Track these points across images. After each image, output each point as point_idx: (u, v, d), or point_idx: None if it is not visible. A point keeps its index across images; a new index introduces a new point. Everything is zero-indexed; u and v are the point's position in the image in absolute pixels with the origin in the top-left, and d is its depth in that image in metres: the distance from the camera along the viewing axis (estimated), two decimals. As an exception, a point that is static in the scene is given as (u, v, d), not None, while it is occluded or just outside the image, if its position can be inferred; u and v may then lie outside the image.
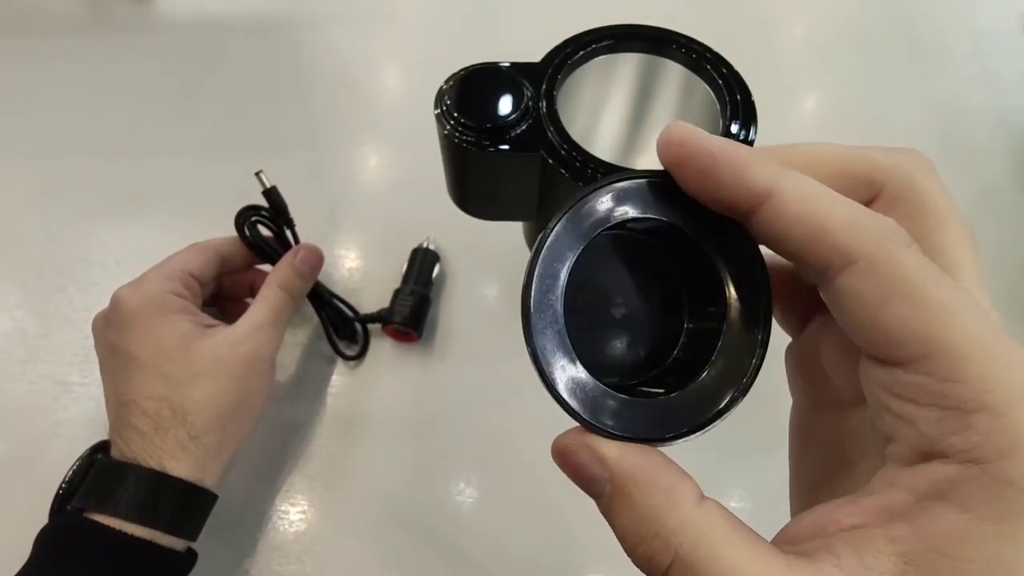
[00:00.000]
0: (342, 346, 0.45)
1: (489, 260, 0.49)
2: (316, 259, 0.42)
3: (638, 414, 0.16)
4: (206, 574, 0.35)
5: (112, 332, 0.36)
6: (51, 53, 0.59)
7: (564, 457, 0.17)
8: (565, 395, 0.16)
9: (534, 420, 0.44)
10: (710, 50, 0.29)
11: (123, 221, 0.51)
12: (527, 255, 0.38)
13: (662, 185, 0.17)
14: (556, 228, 0.16)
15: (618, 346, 0.19)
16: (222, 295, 0.43)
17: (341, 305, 0.45)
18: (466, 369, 0.45)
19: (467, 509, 0.41)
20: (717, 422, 0.17)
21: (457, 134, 0.28)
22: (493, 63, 0.29)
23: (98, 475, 0.33)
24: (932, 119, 0.56)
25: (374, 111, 0.56)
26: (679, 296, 0.19)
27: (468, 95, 0.28)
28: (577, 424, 0.16)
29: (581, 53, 0.29)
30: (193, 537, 0.34)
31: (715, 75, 0.28)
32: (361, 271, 0.49)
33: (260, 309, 0.38)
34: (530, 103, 0.28)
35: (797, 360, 0.20)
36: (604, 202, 0.17)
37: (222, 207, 0.42)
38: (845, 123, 0.57)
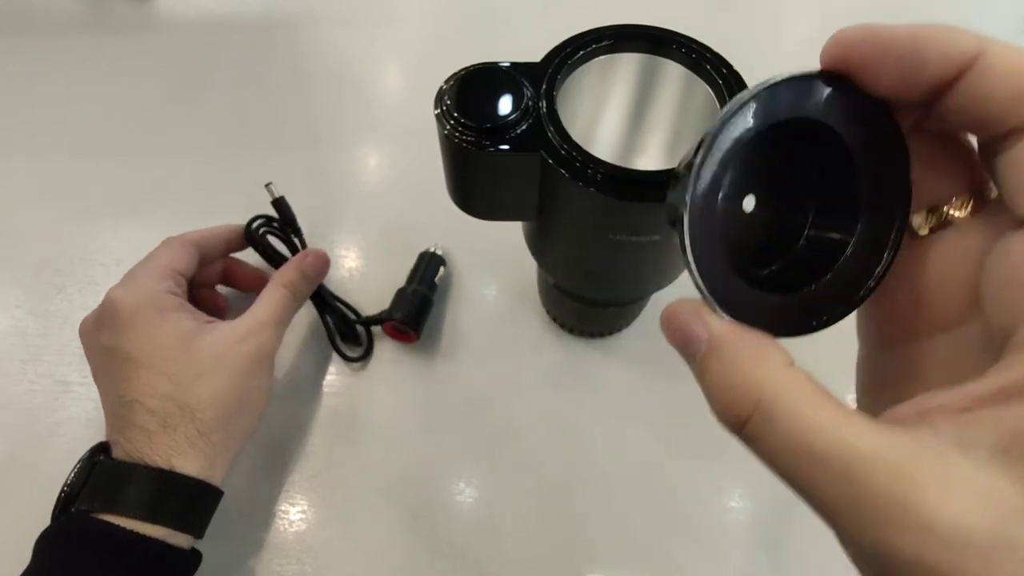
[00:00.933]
0: (345, 348, 0.45)
1: (489, 260, 0.49)
2: (323, 264, 0.42)
3: (754, 302, 0.17)
4: (206, 574, 0.35)
5: (107, 334, 0.35)
6: (51, 53, 0.59)
7: (670, 319, 0.17)
8: (698, 273, 0.17)
9: (534, 420, 0.44)
10: (710, 50, 0.29)
11: (123, 221, 0.51)
12: (527, 255, 0.38)
13: (813, 85, 0.17)
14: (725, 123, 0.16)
15: (745, 239, 0.19)
16: (193, 284, 0.42)
17: (344, 308, 0.45)
18: (466, 369, 0.45)
19: (467, 509, 0.41)
20: (825, 327, 0.18)
21: (457, 134, 0.28)
22: (493, 63, 0.29)
23: (102, 476, 0.33)
24: (932, 119, 0.56)
25: (374, 111, 0.56)
26: (812, 195, 0.19)
27: (468, 95, 0.28)
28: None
29: (581, 53, 0.29)
30: (200, 534, 0.34)
31: (715, 75, 0.28)
32: (361, 271, 0.49)
33: (264, 307, 0.38)
34: (530, 103, 0.28)
35: (885, 289, 0.19)
36: (758, 105, 0.17)
37: (222, 206, 0.42)
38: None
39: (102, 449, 0.34)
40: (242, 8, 0.62)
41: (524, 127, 0.27)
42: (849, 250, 0.18)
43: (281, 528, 0.40)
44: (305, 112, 0.56)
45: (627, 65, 0.30)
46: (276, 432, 0.42)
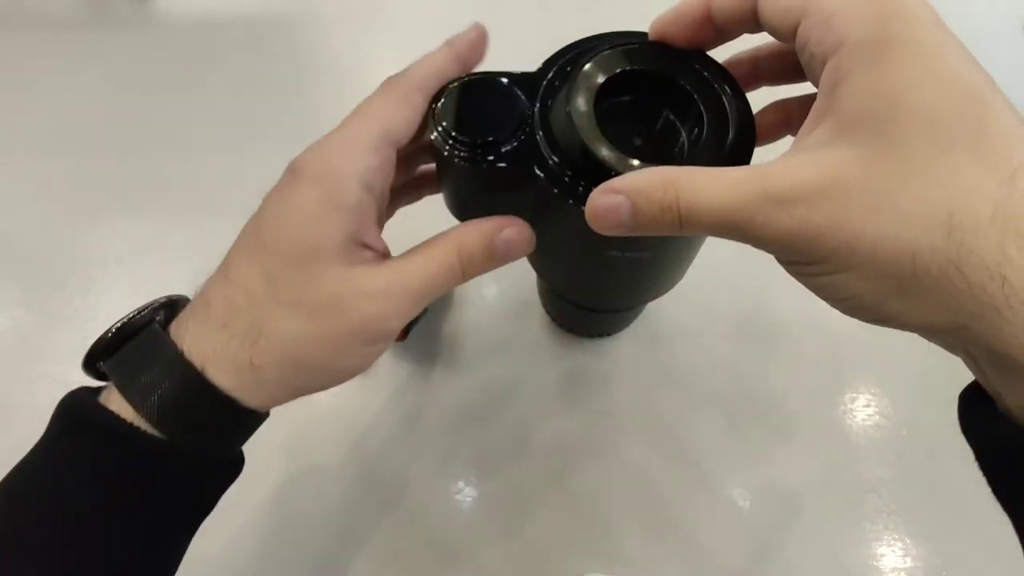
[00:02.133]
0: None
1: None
2: (524, 244, 0.30)
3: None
4: (198, 574, 0.35)
5: (275, 190, 0.28)
6: (51, 51, 0.59)
7: (593, 210, 0.22)
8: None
9: (534, 420, 0.44)
10: (711, 66, 0.28)
11: (122, 220, 0.51)
12: (525, 258, 0.37)
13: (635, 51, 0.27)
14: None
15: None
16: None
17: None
18: (466, 369, 0.45)
19: (467, 509, 0.41)
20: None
21: (449, 147, 0.27)
22: (489, 74, 0.28)
23: (141, 345, 0.27)
24: (931, 119, 0.56)
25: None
26: (672, 125, 0.27)
27: (463, 108, 0.28)
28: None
29: (584, 57, 0.29)
30: (232, 449, 0.29)
31: (715, 88, 0.27)
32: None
33: (420, 270, 0.28)
34: (526, 115, 0.27)
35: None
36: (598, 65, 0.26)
37: (222, 205, 0.42)
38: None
39: (175, 304, 0.29)
40: (242, 7, 0.62)
41: (518, 141, 0.27)
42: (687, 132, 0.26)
43: (282, 528, 0.40)
44: (305, 111, 0.56)
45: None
46: (274, 433, 0.42)
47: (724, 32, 0.26)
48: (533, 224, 0.29)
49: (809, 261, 0.20)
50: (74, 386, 0.28)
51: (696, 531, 0.40)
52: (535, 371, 0.45)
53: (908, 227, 0.18)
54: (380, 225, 0.31)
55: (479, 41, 0.30)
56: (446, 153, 0.27)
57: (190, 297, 0.29)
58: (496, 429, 0.43)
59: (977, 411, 0.22)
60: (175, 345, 0.26)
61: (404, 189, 0.33)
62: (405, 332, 0.44)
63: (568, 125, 0.25)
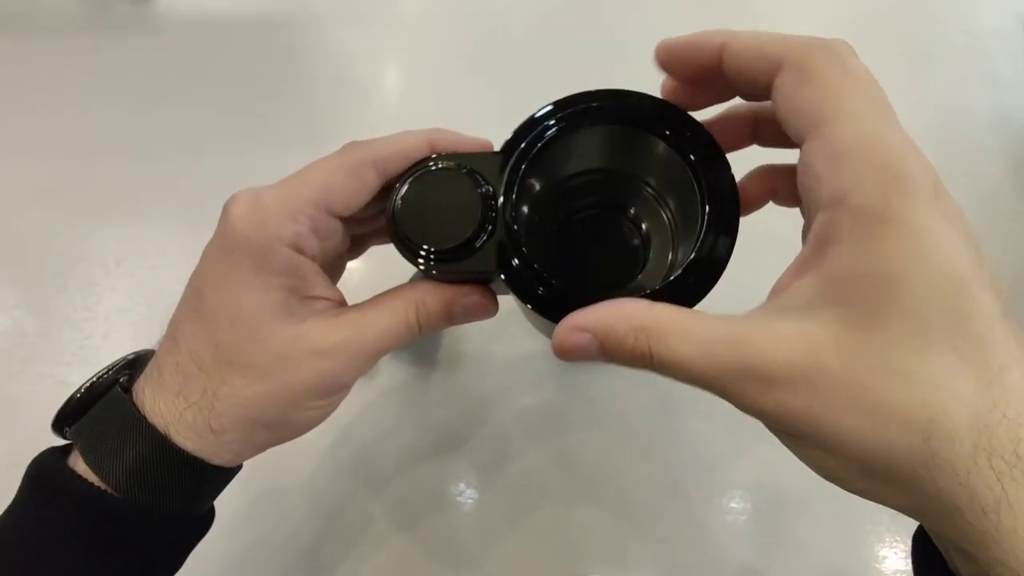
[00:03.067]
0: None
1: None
2: (481, 312, 0.29)
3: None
4: (202, 573, 0.35)
5: (211, 242, 0.27)
6: (50, 52, 0.59)
7: (559, 346, 0.22)
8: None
9: (534, 420, 0.44)
10: (690, 133, 0.25)
11: (123, 221, 0.51)
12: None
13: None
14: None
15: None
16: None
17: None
18: (466, 370, 0.45)
19: (467, 509, 0.41)
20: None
21: (407, 253, 0.25)
22: (454, 160, 0.26)
23: (104, 409, 0.27)
24: (931, 119, 0.56)
25: (373, 110, 0.56)
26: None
27: (419, 209, 0.25)
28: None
29: (546, 138, 0.26)
30: (201, 507, 0.29)
31: (690, 152, 0.25)
32: (360, 271, 0.49)
33: (374, 325, 0.27)
34: (489, 214, 0.25)
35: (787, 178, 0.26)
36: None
37: (222, 206, 0.41)
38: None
39: (140, 360, 0.29)
40: (242, 8, 0.62)
41: (481, 243, 0.25)
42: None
43: (282, 528, 0.40)
44: (305, 112, 0.56)
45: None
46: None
47: (726, 92, 0.25)
48: (501, 290, 0.27)
49: (784, 432, 0.20)
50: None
51: (696, 532, 0.40)
52: (536, 371, 0.45)
53: (887, 427, 0.18)
54: (336, 273, 0.32)
55: (464, 144, 0.28)
56: (409, 258, 0.25)
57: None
58: (496, 430, 0.43)
59: (931, 568, 0.22)
60: (138, 409, 0.26)
61: (374, 234, 0.33)
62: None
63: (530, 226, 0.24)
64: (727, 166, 0.24)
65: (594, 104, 0.25)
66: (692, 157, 0.24)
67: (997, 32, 0.62)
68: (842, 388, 0.18)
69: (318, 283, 0.27)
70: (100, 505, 0.26)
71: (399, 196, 0.26)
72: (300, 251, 0.26)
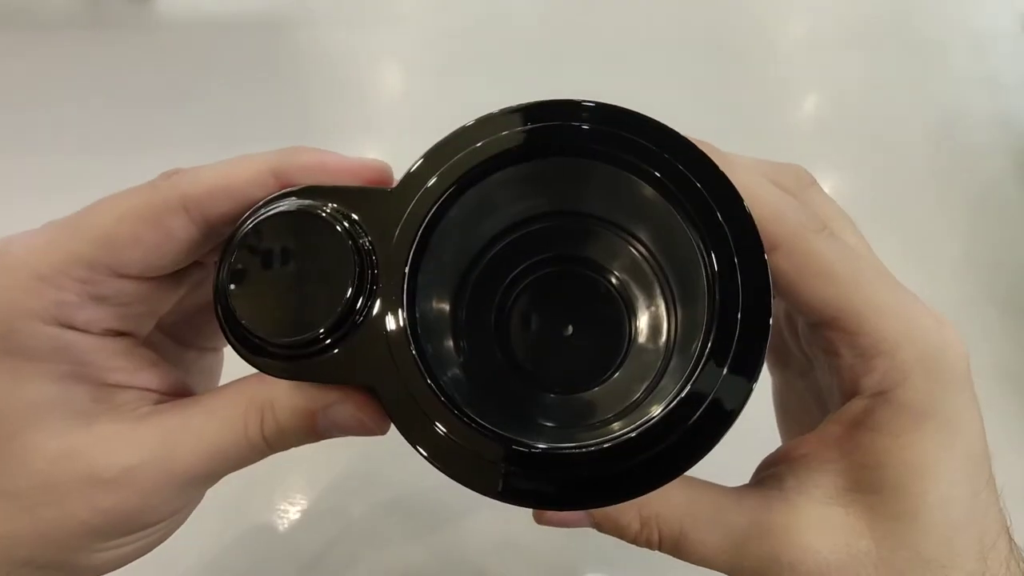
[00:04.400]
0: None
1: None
2: (357, 428, 0.21)
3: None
4: (203, 575, 0.35)
5: None
6: (49, 52, 0.59)
7: (541, 518, 0.21)
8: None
9: (534, 420, 0.44)
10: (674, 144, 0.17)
11: (122, 221, 0.51)
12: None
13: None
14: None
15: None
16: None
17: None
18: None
19: (467, 509, 0.41)
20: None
21: (242, 348, 0.17)
22: (305, 205, 0.17)
23: None
24: (932, 119, 0.56)
25: (373, 111, 0.56)
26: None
27: (257, 280, 0.16)
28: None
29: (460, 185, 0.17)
30: None
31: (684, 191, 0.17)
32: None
33: (198, 436, 0.19)
34: (367, 285, 0.16)
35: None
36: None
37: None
38: (845, 123, 0.56)
39: None
40: (241, 8, 0.62)
41: (350, 331, 0.16)
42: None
43: (281, 528, 0.40)
44: (304, 111, 0.56)
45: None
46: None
47: None
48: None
49: None
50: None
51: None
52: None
53: None
54: (197, 332, 0.24)
55: (337, 169, 0.19)
56: (235, 350, 0.17)
57: None
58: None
59: None
60: None
61: None
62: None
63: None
64: (760, 261, 0.16)
65: (572, 125, 0.17)
66: (706, 237, 0.16)
67: (997, 32, 0.61)
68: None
69: (119, 364, 0.19)
70: None
71: (228, 260, 0.17)
72: (70, 326, 0.18)
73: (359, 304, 0.16)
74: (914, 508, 0.18)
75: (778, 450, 0.21)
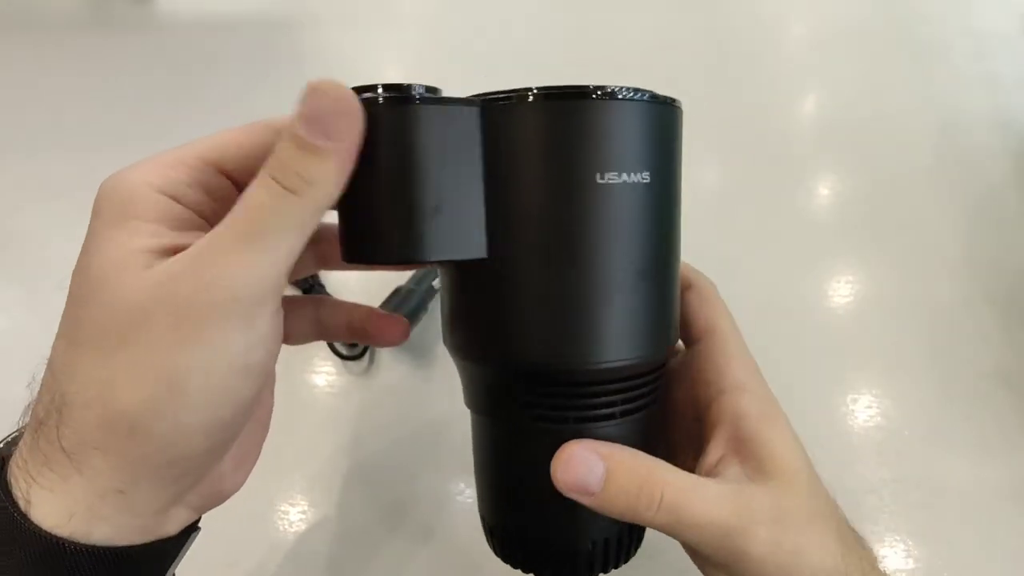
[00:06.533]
0: (340, 347, 0.45)
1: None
2: (338, 112, 0.21)
3: None
4: (201, 574, 0.35)
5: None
6: (51, 52, 0.59)
7: (567, 466, 0.22)
8: None
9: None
10: None
11: (123, 221, 0.51)
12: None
13: None
14: None
15: None
16: None
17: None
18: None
19: (467, 509, 0.41)
20: None
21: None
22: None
23: None
24: (932, 119, 0.56)
25: (374, 111, 0.56)
26: None
27: None
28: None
29: None
30: None
31: None
32: (360, 272, 0.49)
33: (230, 216, 0.20)
34: None
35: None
36: None
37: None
38: (845, 123, 0.56)
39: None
40: (242, 8, 0.62)
41: None
42: None
43: (281, 528, 0.40)
44: (305, 112, 0.56)
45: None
46: (273, 431, 0.42)
47: None
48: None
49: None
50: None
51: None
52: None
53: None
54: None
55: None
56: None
57: None
58: (496, 430, 0.43)
59: None
60: (15, 506, 0.19)
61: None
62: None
63: None
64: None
65: None
66: None
67: (997, 33, 0.61)
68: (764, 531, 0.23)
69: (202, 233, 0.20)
70: None
71: None
72: (178, 200, 0.21)
73: None
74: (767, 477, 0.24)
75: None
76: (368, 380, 0.45)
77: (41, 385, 0.21)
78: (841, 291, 0.48)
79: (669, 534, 0.23)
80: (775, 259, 0.49)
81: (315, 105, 0.20)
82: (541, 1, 0.62)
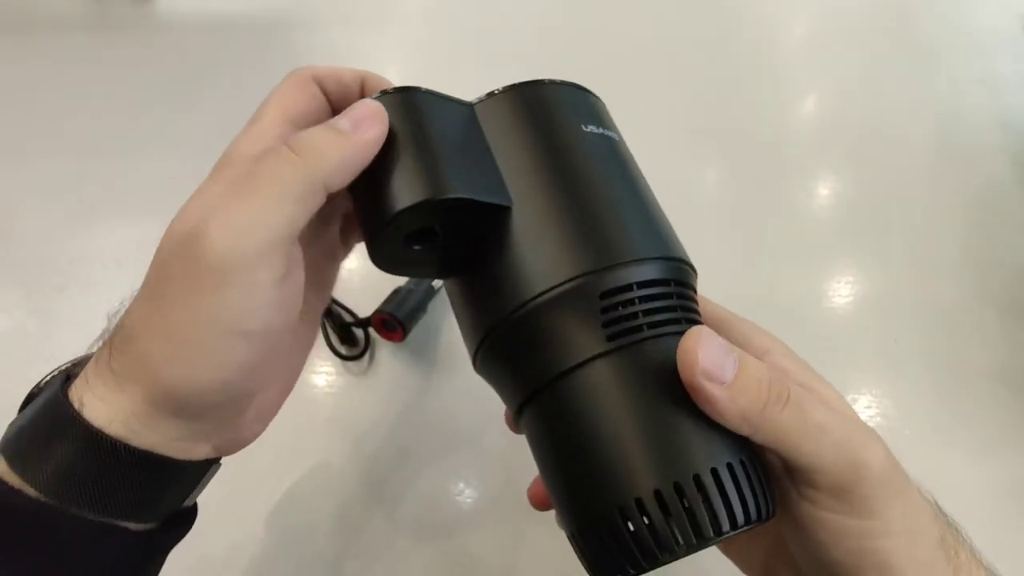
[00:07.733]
0: (340, 347, 0.45)
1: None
2: (367, 114, 0.23)
3: None
4: (201, 573, 0.36)
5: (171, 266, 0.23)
6: (51, 53, 0.59)
7: (698, 359, 0.20)
8: None
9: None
10: None
11: (123, 221, 0.51)
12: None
13: None
14: None
15: None
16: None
17: (341, 310, 0.45)
18: (465, 369, 0.45)
19: (467, 509, 0.41)
20: None
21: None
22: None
23: (34, 412, 0.23)
24: (932, 119, 0.56)
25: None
26: None
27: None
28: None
29: None
30: (157, 510, 0.23)
31: None
32: (360, 272, 0.49)
33: (231, 170, 0.25)
34: None
35: None
36: None
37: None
38: (845, 123, 0.56)
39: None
40: (242, 8, 0.62)
41: None
42: None
43: (281, 528, 0.40)
44: (305, 112, 0.56)
45: None
46: (273, 432, 0.42)
47: None
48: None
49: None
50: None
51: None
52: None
53: None
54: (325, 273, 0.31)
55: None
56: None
57: None
58: (496, 429, 0.43)
59: None
60: (68, 400, 0.22)
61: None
62: (404, 331, 0.44)
63: None
64: None
65: None
66: None
67: (997, 32, 0.62)
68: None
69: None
70: (11, 509, 0.21)
71: None
72: (295, 261, 0.23)
73: None
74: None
75: None
76: (368, 380, 0.45)
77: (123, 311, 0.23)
78: (841, 291, 0.48)
79: (782, 449, 0.21)
80: (775, 259, 0.49)
81: (353, 112, 0.23)
82: (541, 2, 0.62)
